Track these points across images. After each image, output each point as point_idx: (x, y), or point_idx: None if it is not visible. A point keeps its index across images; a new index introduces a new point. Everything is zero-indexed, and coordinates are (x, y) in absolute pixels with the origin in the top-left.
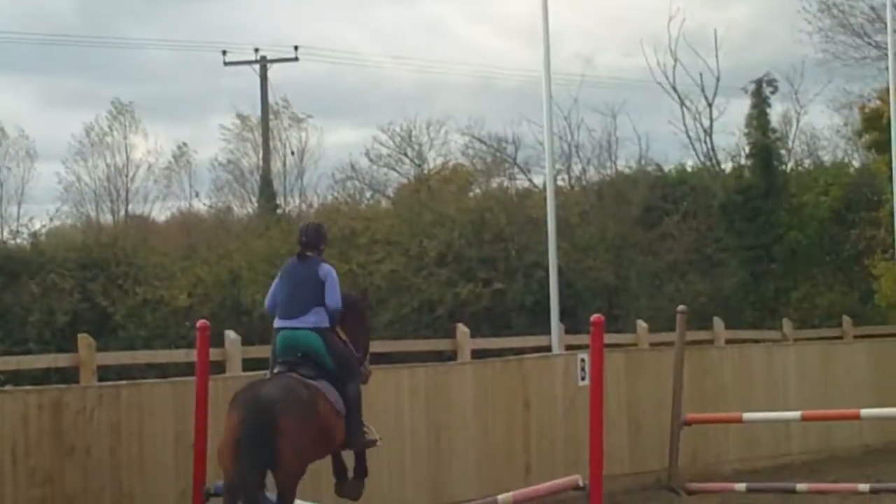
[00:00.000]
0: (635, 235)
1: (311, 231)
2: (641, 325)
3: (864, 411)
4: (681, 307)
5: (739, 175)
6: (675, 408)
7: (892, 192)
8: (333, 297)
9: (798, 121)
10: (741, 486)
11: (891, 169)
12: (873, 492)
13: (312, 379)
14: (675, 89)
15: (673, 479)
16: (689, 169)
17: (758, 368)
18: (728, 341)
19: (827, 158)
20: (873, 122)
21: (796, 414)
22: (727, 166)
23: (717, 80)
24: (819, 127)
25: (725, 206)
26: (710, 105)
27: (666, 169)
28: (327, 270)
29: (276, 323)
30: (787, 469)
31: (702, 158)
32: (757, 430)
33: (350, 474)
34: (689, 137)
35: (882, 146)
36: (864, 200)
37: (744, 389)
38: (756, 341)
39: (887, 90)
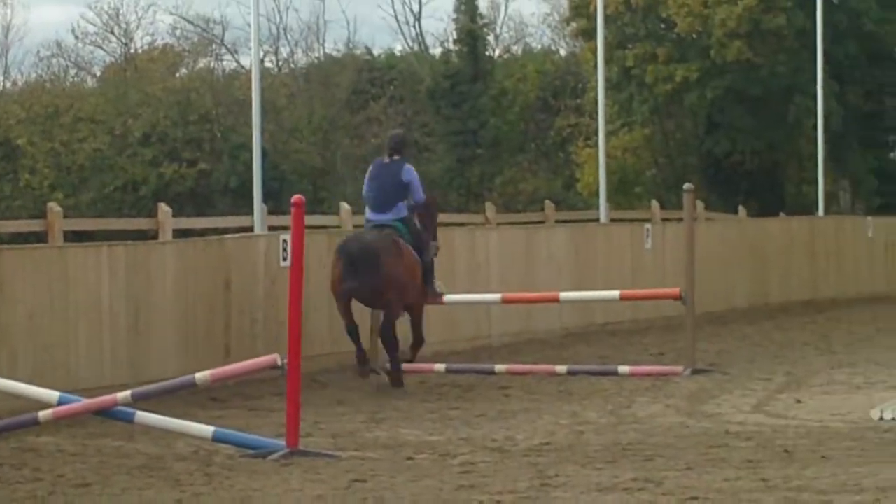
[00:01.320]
0: (342, 119)
1: (397, 138)
2: (345, 207)
3: (563, 294)
4: None
5: (447, 60)
6: None
7: (596, 80)
8: (418, 194)
9: (506, 7)
10: (440, 367)
11: (596, 57)
12: (570, 373)
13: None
14: None
15: (372, 361)
16: (397, 53)
17: (461, 252)
18: None
19: (534, 46)
20: (580, 10)
21: (496, 297)
22: (435, 51)
23: None
24: (527, 14)
25: (433, 92)
26: None
27: (375, 53)
28: (410, 172)
29: (367, 215)
30: (487, 351)
31: (410, 43)
32: (458, 313)
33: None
34: (398, 22)
35: (588, 34)
36: (569, 88)
37: (446, 272)
38: (460, 225)
39: None
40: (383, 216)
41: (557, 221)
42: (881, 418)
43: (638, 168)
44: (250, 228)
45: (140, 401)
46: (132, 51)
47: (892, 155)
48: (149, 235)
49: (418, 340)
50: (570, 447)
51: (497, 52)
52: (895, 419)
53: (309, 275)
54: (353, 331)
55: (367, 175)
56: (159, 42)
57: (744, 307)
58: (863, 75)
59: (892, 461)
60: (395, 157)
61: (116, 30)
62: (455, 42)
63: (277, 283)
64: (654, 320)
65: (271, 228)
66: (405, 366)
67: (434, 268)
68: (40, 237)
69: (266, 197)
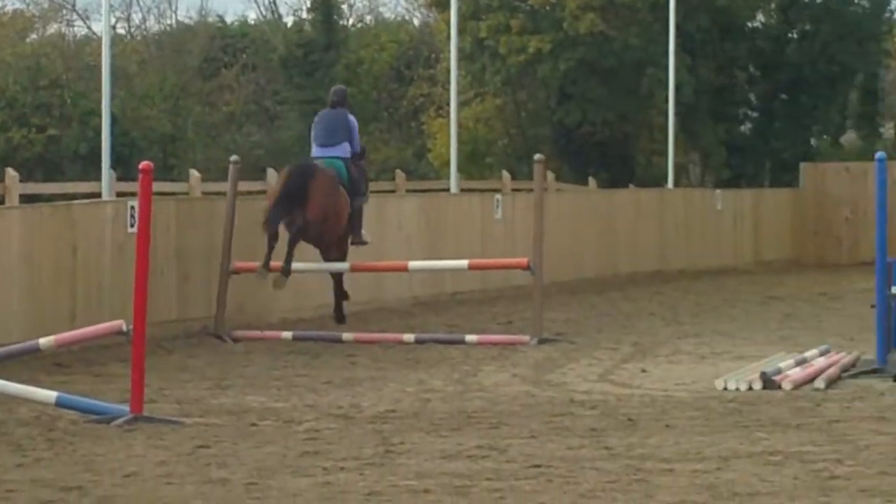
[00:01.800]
0: (194, 86)
1: (340, 92)
2: (194, 174)
3: (413, 263)
4: (234, 157)
5: (300, 29)
6: (224, 256)
7: (449, 51)
8: (357, 141)
9: None
10: (287, 335)
11: (449, 27)
12: (418, 342)
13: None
14: None
15: (219, 327)
16: (250, 21)
17: None
18: None
19: (388, 16)
20: None
21: (345, 265)
22: (288, 20)
23: None
24: None
25: (286, 60)
26: None
27: (228, 21)
28: (353, 119)
29: (314, 152)
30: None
31: (263, 11)
32: (306, 281)
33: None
34: None
35: (442, 4)
36: (422, 58)
37: None
38: None
39: None
40: (330, 150)
41: (408, 191)
42: (725, 388)
43: (490, 138)
44: (99, 195)
45: None
46: None
47: (742, 128)
48: None
49: (339, 291)
50: (416, 415)
51: (351, 22)
52: (739, 389)
53: (156, 241)
54: (272, 237)
55: (314, 122)
56: (9, 7)
57: (592, 277)
58: (714, 49)
59: (735, 430)
60: (339, 108)
61: None
62: (308, 11)
63: (125, 249)
64: (504, 290)
65: (120, 195)
66: (252, 332)
67: (362, 215)
68: None
69: (115, 163)
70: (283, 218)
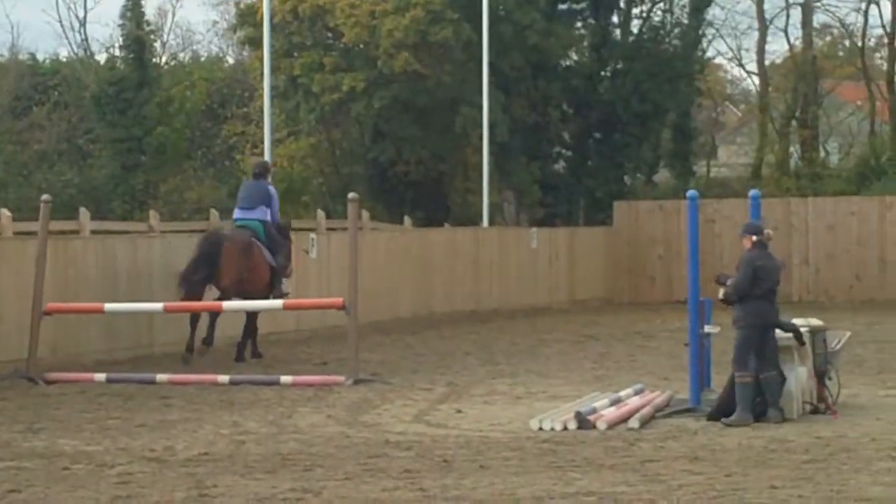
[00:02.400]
0: (4, 125)
1: (261, 165)
2: (5, 213)
3: (227, 304)
4: (45, 196)
5: (113, 66)
6: (35, 297)
7: (263, 89)
8: (275, 210)
9: (174, 14)
10: (101, 377)
11: (263, 65)
12: (232, 383)
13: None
14: None
15: (31, 369)
16: (62, 59)
17: (122, 260)
18: (94, 232)
19: (202, 53)
20: (247, 18)
21: (159, 305)
22: (101, 57)
23: None
24: (194, 21)
25: (98, 98)
26: None
27: (39, 58)
28: (273, 191)
29: (236, 214)
30: (149, 360)
31: (76, 49)
32: (120, 322)
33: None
34: (62, 27)
35: (256, 42)
36: (236, 96)
37: (108, 280)
38: (123, 233)
39: None
40: (249, 213)
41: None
42: (540, 428)
43: (305, 177)
44: None
45: None
46: None
47: (556, 167)
48: None
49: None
50: (230, 457)
51: (164, 59)
52: (554, 429)
53: None
54: (193, 320)
55: (239, 189)
56: None
57: (408, 317)
58: (528, 87)
59: (550, 471)
60: (260, 179)
61: None
62: (121, 48)
63: None
64: (318, 329)
65: None
66: (66, 374)
67: (284, 271)
68: None
69: None
70: (200, 288)
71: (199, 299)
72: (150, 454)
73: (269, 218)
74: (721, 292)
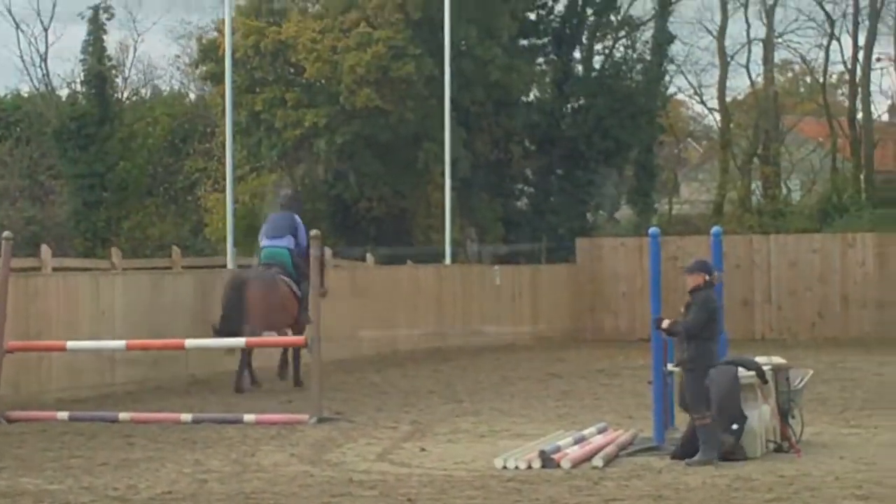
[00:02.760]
0: None
1: (287, 197)
2: None
3: (189, 342)
4: (6, 234)
5: (74, 102)
6: None
7: (225, 125)
8: (302, 238)
9: (135, 49)
10: (63, 415)
11: (225, 101)
12: (195, 421)
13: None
14: (10, 12)
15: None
16: (24, 94)
17: (84, 297)
18: (55, 269)
19: (164, 88)
20: (209, 53)
21: (121, 343)
22: (62, 92)
23: (54, 5)
24: (156, 56)
25: (59, 133)
26: (45, 30)
27: (0, 93)
28: (299, 222)
29: (262, 242)
30: (112, 398)
31: (37, 84)
32: (82, 359)
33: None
34: (24, 62)
35: (217, 77)
36: (198, 132)
37: (70, 318)
38: (85, 269)
39: (224, 22)
40: (276, 241)
41: (184, 267)
42: (504, 467)
43: (266, 213)
44: None
45: None
46: None
47: (518, 203)
48: None
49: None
50: (193, 496)
51: (126, 95)
52: (518, 468)
53: None
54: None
55: (265, 221)
56: None
57: (371, 354)
58: (490, 123)
59: None
60: (286, 210)
61: None
62: (82, 83)
63: None
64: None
65: None
66: (28, 413)
67: (308, 298)
68: None
69: None
70: (234, 332)
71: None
72: (113, 493)
73: (294, 247)
74: (666, 323)
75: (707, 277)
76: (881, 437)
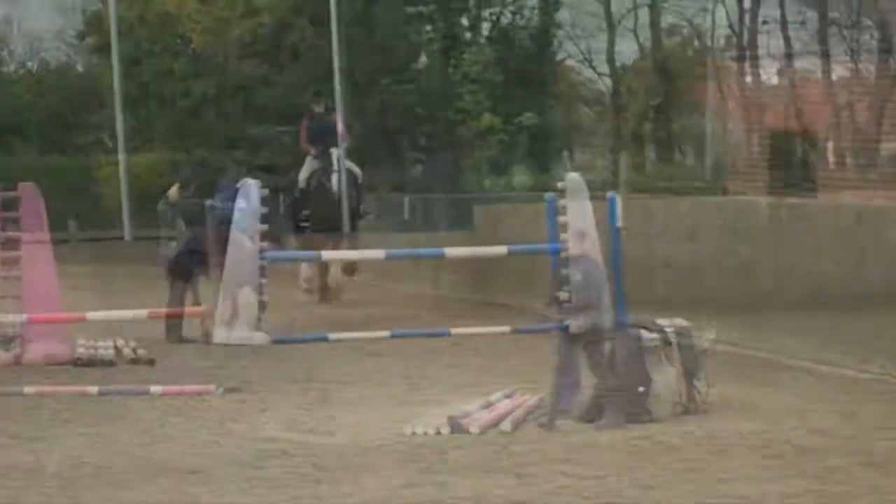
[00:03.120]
0: None
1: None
2: None
3: (91, 314)
4: None
5: None
6: None
7: (114, 96)
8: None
9: (20, 23)
10: None
11: (113, 73)
12: (101, 394)
13: None
14: None
15: None
16: None
17: None
18: None
19: (52, 61)
20: (94, 25)
21: (23, 317)
22: None
23: None
24: (41, 29)
25: None
26: None
27: None
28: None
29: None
30: (17, 372)
31: None
32: None
33: None
34: None
35: (105, 50)
36: (87, 104)
37: None
38: None
39: None
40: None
41: (81, 240)
42: (414, 433)
43: (161, 185)
44: None
45: None
46: None
47: (412, 172)
48: None
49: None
50: (101, 468)
51: (13, 68)
52: (427, 434)
53: None
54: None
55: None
56: None
57: None
58: (380, 91)
59: (424, 475)
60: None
61: None
62: None
63: None
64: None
65: None
66: None
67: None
68: None
69: None
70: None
71: None
72: (22, 465)
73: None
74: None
75: None
76: (783, 396)
